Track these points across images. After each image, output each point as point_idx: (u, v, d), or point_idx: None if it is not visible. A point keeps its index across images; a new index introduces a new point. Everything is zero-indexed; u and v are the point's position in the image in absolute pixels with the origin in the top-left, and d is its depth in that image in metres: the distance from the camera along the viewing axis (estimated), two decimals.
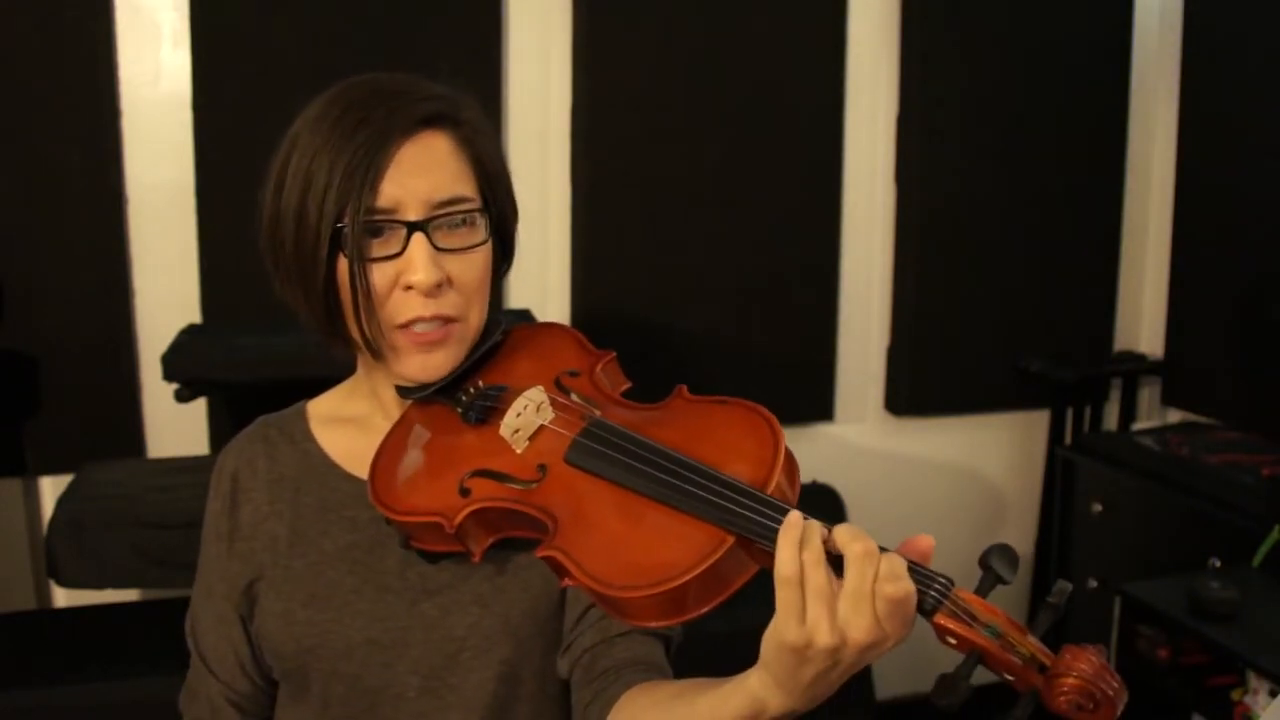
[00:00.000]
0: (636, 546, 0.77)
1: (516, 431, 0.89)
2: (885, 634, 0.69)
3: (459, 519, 0.85)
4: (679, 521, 0.75)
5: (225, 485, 1.02)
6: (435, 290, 0.89)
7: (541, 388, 0.92)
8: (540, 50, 2.46)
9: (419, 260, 0.88)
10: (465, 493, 0.86)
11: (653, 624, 0.76)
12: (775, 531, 0.71)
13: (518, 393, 0.92)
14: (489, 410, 0.92)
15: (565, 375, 0.94)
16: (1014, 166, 2.79)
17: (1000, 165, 2.77)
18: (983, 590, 0.72)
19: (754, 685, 0.73)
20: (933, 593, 0.70)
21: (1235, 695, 1.87)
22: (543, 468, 0.86)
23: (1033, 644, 0.71)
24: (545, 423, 0.89)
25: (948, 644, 0.71)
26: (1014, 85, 2.75)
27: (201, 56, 2.21)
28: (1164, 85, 2.88)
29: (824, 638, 0.68)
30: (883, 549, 0.70)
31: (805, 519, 0.72)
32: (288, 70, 2.19)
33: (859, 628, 0.68)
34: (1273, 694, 1.74)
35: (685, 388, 0.88)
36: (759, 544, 0.73)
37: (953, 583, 0.71)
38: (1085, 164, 2.86)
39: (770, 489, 0.75)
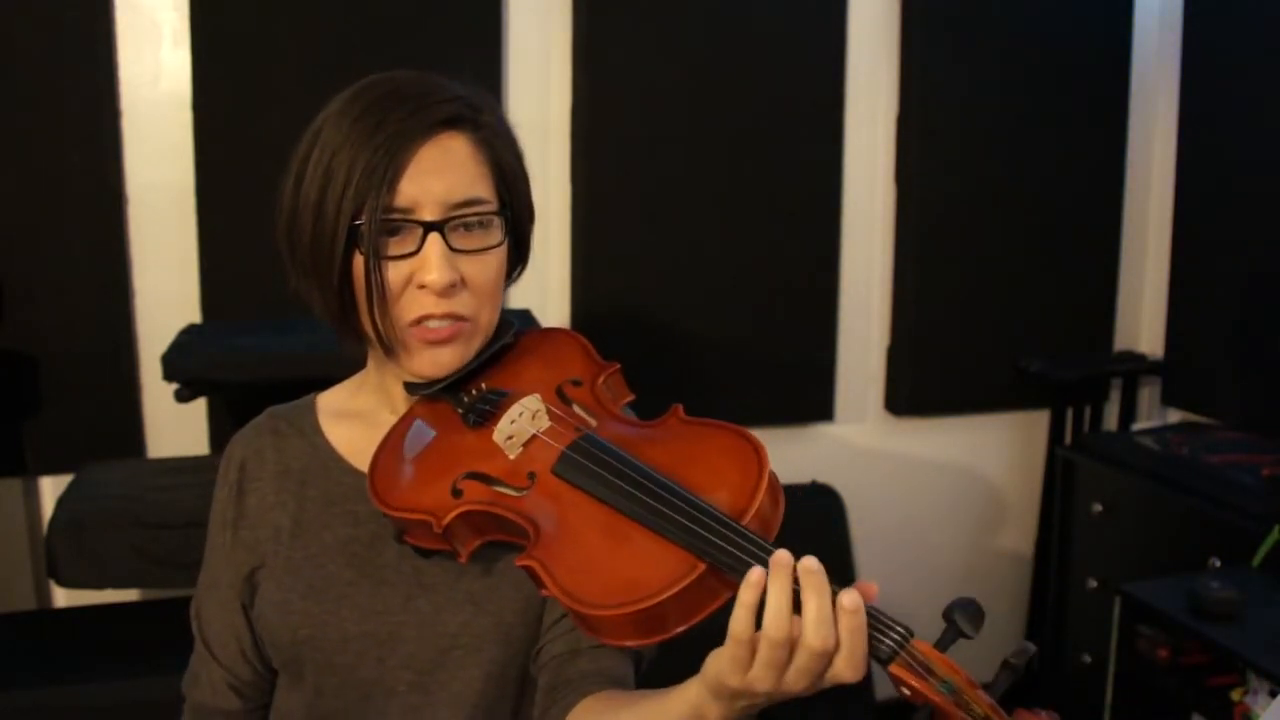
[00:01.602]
0: (611, 565, 0.77)
1: (510, 438, 0.90)
2: (827, 684, 0.71)
3: (447, 519, 0.85)
4: (655, 544, 0.76)
5: (233, 474, 1.03)
6: (448, 290, 0.90)
7: (538, 395, 0.92)
8: (540, 50, 2.46)
9: (433, 260, 0.89)
10: (458, 494, 0.87)
11: (626, 643, 0.76)
12: (745, 565, 0.71)
13: (517, 398, 0.93)
14: (487, 414, 0.93)
15: (568, 384, 0.95)
16: (1014, 166, 2.79)
17: (1000, 165, 2.77)
18: (943, 645, 0.72)
19: (693, 696, 0.75)
20: (889, 642, 0.71)
21: (1235, 695, 1.86)
22: (532, 475, 0.86)
23: (988, 704, 0.71)
24: (539, 431, 0.89)
25: (903, 695, 0.71)
26: (1014, 85, 2.75)
27: (201, 56, 2.20)
28: (1164, 85, 2.88)
29: (763, 687, 0.70)
30: (835, 587, 0.70)
31: (786, 569, 0.70)
32: (288, 70, 2.19)
33: (800, 688, 0.70)
34: (1273, 694, 1.74)
35: (681, 408, 0.89)
36: (729, 575, 0.73)
37: (911, 633, 0.71)
38: (1085, 164, 2.86)
39: (747, 519, 0.75)
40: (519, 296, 2.49)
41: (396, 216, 0.89)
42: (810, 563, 0.70)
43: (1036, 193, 2.82)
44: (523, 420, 0.90)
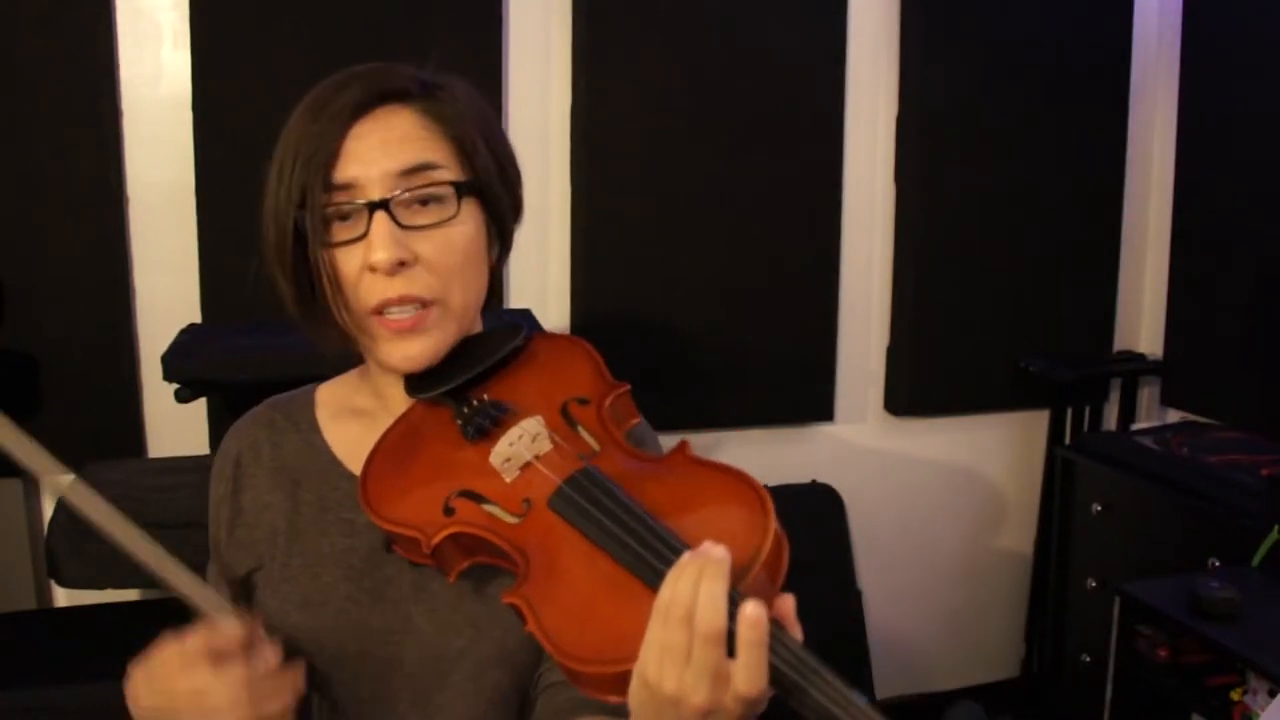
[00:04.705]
0: (599, 617, 0.73)
1: (507, 460, 0.86)
2: (725, 708, 0.68)
3: (437, 539, 0.82)
4: (648, 598, 0.71)
5: (228, 470, 1.01)
6: (398, 269, 0.86)
7: (540, 418, 0.88)
8: (540, 50, 2.46)
9: (378, 239, 0.86)
10: (450, 511, 0.84)
11: (610, 699, 0.72)
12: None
13: (519, 417, 0.89)
14: (486, 430, 0.89)
15: (574, 402, 0.90)
16: (1013, 166, 2.79)
17: (1000, 165, 2.77)
18: None
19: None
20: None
21: (1235, 695, 1.86)
22: (527, 503, 0.83)
23: None
24: (538, 455, 0.85)
25: None
26: (1014, 85, 2.75)
27: (201, 56, 2.20)
28: (1164, 85, 2.88)
29: (669, 686, 0.67)
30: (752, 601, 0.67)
31: (701, 559, 0.68)
32: (288, 70, 2.19)
33: (700, 698, 0.67)
34: (1272, 694, 1.74)
35: (688, 444, 0.83)
36: None
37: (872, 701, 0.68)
38: (1085, 164, 2.86)
39: (747, 581, 0.70)
40: (519, 296, 2.49)
41: (341, 199, 0.86)
42: (715, 551, 0.68)
43: (1036, 193, 2.82)
44: (522, 443, 0.86)
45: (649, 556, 0.73)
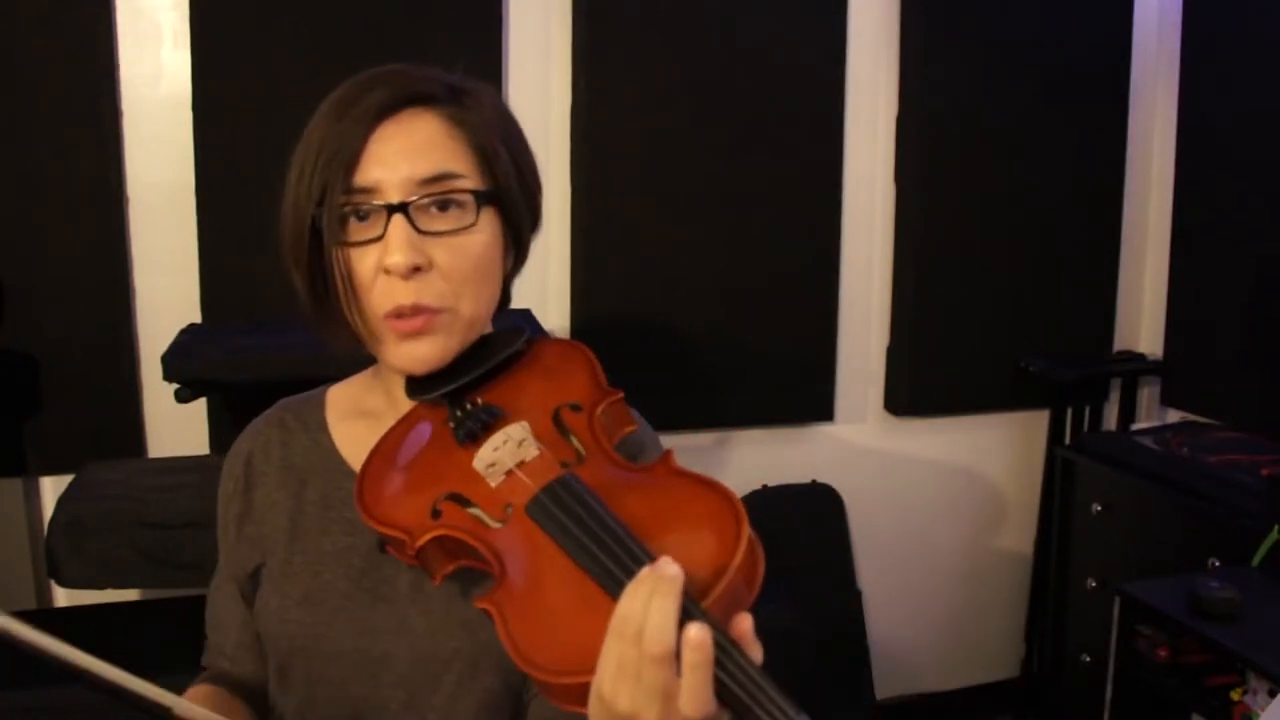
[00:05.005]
0: (565, 627, 0.73)
1: (491, 465, 0.86)
2: None
3: (421, 541, 0.82)
4: (609, 610, 0.70)
5: (239, 469, 1.02)
6: (412, 274, 0.86)
7: (526, 424, 0.88)
8: (540, 50, 2.47)
9: (394, 242, 0.85)
10: (436, 514, 0.84)
11: (576, 709, 0.71)
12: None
13: (507, 421, 0.89)
14: (475, 434, 0.89)
15: (566, 408, 0.90)
16: (1013, 167, 2.79)
17: (1000, 165, 2.78)
18: None
19: None
20: None
21: (1235, 695, 1.86)
22: (509, 508, 0.83)
23: None
24: (521, 462, 0.85)
25: None
26: (1014, 85, 2.75)
27: (201, 56, 2.20)
28: (1164, 85, 2.88)
29: (623, 704, 0.67)
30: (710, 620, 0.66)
31: (654, 576, 0.67)
32: (288, 70, 2.19)
33: (651, 712, 0.67)
34: (1272, 694, 1.74)
35: (673, 454, 0.83)
36: None
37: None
38: (1085, 164, 2.86)
39: (715, 593, 0.69)
40: (519, 296, 2.48)
41: (360, 200, 0.86)
42: (669, 569, 0.68)
43: (1036, 193, 2.82)
44: (506, 449, 0.86)
45: (614, 568, 0.72)
